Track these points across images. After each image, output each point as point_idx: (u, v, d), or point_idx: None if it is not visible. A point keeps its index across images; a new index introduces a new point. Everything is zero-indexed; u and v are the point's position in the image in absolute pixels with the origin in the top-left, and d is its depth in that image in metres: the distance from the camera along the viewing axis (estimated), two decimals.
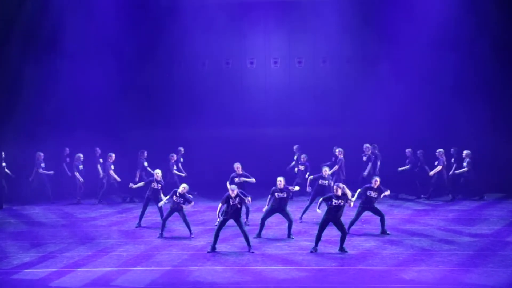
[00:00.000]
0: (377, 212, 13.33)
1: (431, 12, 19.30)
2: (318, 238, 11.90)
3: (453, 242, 12.50)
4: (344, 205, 11.79)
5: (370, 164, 17.77)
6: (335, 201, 11.73)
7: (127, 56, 20.44)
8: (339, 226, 11.85)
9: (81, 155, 17.97)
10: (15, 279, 10.63)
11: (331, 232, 13.04)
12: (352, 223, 13.33)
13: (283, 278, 10.44)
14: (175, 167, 18.22)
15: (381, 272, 10.62)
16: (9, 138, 18.13)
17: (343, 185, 11.97)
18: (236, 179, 14.87)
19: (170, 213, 13.30)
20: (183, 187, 13.10)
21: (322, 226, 11.88)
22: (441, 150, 17.76)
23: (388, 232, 13.27)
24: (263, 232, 13.32)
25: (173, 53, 21.12)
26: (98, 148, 18.41)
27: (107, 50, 20.02)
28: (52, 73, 19.42)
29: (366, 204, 13.30)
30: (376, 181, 13.24)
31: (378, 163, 18.06)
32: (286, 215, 13.13)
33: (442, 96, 19.79)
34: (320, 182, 14.80)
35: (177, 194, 13.03)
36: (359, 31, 20.44)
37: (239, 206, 12.10)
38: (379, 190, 13.26)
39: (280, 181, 12.90)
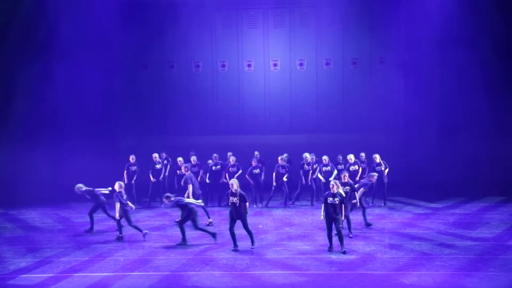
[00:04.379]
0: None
1: (433, 12, 19.32)
2: (329, 237, 12.21)
3: (454, 246, 12.53)
4: (340, 204, 11.98)
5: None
6: (330, 199, 11.96)
7: (123, 59, 20.46)
8: (336, 225, 11.96)
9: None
10: (11, 285, 10.65)
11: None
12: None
13: (282, 283, 10.47)
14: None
15: (381, 277, 10.66)
16: (2, 141, 18.16)
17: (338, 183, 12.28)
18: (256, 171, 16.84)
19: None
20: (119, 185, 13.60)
21: (327, 225, 12.18)
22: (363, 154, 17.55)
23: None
24: (262, 236, 13.41)
25: (167, 55, 21.01)
26: (163, 154, 18.29)
27: (103, 53, 20.03)
28: (47, 75, 19.40)
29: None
30: (345, 176, 13.59)
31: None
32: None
33: (444, 96, 19.79)
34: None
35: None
36: (364, 32, 20.40)
37: (237, 204, 12.25)
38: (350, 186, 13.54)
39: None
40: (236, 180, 12.73)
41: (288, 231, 14.14)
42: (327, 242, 12.31)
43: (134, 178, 17.28)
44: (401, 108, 20.48)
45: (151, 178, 17.40)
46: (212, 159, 17.57)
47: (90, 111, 19.94)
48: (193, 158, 17.57)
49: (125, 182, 16.57)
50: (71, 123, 19.94)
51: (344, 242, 12.11)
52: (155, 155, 17.65)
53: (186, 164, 16.22)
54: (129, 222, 13.52)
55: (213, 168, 17.42)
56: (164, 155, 18.22)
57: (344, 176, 13.52)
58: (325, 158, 17.20)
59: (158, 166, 17.46)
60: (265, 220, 15.50)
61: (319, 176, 17.22)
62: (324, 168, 17.19)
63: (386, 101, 20.54)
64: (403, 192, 18.67)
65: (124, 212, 13.44)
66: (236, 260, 11.80)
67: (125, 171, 17.18)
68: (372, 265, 11.34)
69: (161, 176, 17.46)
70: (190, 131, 20.75)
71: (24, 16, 18.70)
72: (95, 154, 19.29)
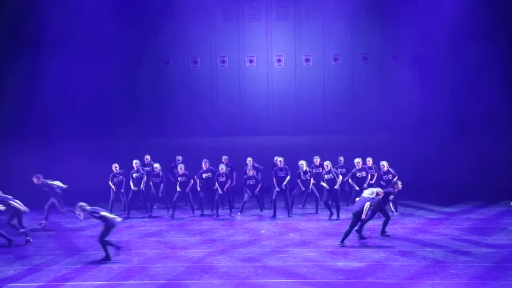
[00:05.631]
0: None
1: (448, 4, 19.37)
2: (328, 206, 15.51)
3: (469, 253, 12.54)
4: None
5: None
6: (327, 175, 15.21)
7: (115, 54, 20.44)
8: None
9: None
10: None
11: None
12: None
13: None
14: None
15: (391, 286, 10.67)
16: None
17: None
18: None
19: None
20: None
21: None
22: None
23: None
24: (265, 242, 13.47)
25: (162, 50, 20.94)
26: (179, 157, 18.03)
27: (94, 48, 20.05)
28: (36, 72, 19.45)
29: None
30: (327, 166, 15.50)
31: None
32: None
33: (460, 94, 19.80)
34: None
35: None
36: (375, 25, 20.35)
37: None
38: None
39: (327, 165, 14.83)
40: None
41: (292, 237, 14.17)
42: (319, 253, 12.68)
43: (123, 187, 16.87)
44: (414, 106, 20.45)
45: (132, 186, 16.86)
46: (203, 164, 16.83)
47: (81, 110, 19.99)
48: (156, 165, 16.87)
49: (114, 191, 16.63)
50: (61, 123, 20.00)
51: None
52: (136, 161, 17.08)
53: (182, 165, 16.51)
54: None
55: (203, 175, 16.76)
56: (148, 158, 17.75)
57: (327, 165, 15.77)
58: (358, 161, 16.69)
59: (135, 175, 16.83)
60: (268, 225, 15.54)
61: (350, 182, 16.91)
62: (358, 174, 16.70)
63: (399, 99, 20.50)
64: (415, 195, 18.68)
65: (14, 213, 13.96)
66: (237, 268, 11.83)
67: (110, 182, 16.76)
68: (382, 273, 11.36)
69: (142, 184, 16.82)
70: (187, 132, 20.71)
71: (10, 7, 18.72)
72: (86, 156, 19.38)
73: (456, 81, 19.69)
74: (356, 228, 13.52)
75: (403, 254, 12.61)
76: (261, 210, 16.82)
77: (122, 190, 16.92)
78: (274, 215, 16.48)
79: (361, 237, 13.73)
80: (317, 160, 17.10)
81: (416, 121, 20.41)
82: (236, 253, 12.82)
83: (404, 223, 15.53)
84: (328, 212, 16.11)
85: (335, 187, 15.99)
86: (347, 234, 13.26)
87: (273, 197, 16.59)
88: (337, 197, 16.08)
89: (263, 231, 14.78)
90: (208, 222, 16.04)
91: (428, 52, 20.10)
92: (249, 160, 17.31)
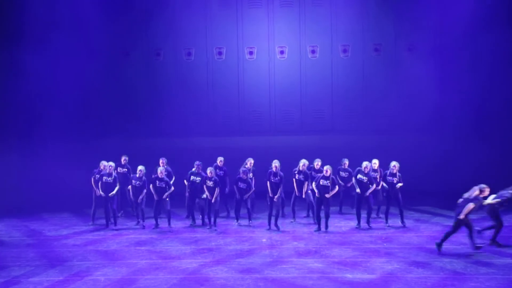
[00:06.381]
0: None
1: None
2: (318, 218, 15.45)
3: (491, 265, 12.61)
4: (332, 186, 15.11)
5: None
6: (323, 181, 15.19)
7: (101, 46, 20.49)
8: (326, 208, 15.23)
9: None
10: None
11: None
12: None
13: None
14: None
15: None
16: None
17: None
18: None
19: None
20: None
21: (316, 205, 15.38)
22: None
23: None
24: (266, 252, 13.60)
25: (152, 41, 20.95)
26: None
27: (79, 39, 20.12)
28: (16, 66, 19.48)
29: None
30: (327, 171, 15.31)
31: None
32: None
33: (484, 89, 19.82)
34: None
35: None
36: (389, 13, 20.36)
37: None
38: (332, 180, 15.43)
39: (327, 170, 15.20)
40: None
41: (297, 246, 14.26)
42: (323, 262, 12.77)
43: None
44: (431, 103, 20.48)
45: (98, 192, 16.25)
46: (195, 167, 16.56)
47: (64, 107, 20.06)
48: (140, 168, 16.17)
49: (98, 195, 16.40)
50: (43, 122, 20.06)
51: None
52: (103, 163, 16.46)
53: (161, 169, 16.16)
54: None
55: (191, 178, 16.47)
56: (126, 159, 17.54)
57: (316, 164, 16.38)
58: (374, 161, 16.46)
59: (109, 179, 16.11)
60: (270, 233, 15.65)
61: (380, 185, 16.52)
62: (385, 177, 16.16)
63: (415, 95, 20.53)
64: (431, 200, 18.78)
65: None
66: (236, 280, 11.90)
67: (98, 185, 16.26)
68: (395, 286, 11.42)
69: (114, 190, 16.05)
70: (180, 132, 20.75)
71: None
72: (70, 158, 19.48)
73: (481, 76, 19.69)
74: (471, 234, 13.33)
75: (418, 265, 12.68)
76: (249, 219, 16.65)
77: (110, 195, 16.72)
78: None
79: (476, 247, 13.40)
80: (318, 163, 16.77)
81: (433, 119, 20.43)
82: (234, 264, 12.89)
83: (419, 231, 15.62)
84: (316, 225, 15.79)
85: (327, 195, 15.46)
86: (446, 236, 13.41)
87: (292, 201, 16.82)
88: (328, 206, 15.59)
89: (264, 240, 14.89)
90: (204, 229, 16.15)
91: (447, 42, 20.13)
92: (249, 162, 17.17)
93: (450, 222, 16.48)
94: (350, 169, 17.24)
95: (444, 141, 20.24)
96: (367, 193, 15.76)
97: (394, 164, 15.91)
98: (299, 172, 16.51)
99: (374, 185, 15.89)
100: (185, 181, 16.76)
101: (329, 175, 15.54)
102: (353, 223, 16.21)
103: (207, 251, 13.92)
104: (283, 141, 20.66)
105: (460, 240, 14.58)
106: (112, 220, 16.21)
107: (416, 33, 20.54)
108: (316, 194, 15.54)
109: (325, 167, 15.68)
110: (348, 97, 21.04)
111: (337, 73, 21.10)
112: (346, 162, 17.52)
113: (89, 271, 12.64)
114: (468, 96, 19.93)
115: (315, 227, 15.76)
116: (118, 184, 16.13)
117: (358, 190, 15.80)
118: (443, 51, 20.31)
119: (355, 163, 17.20)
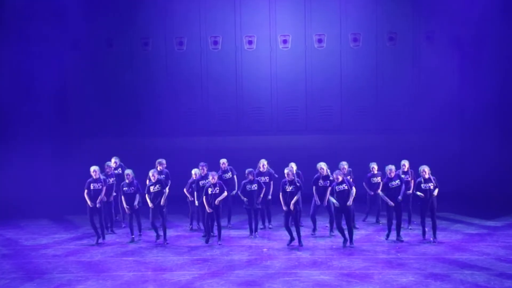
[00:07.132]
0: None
1: None
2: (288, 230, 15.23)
3: None
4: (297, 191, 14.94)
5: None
6: (288, 187, 14.94)
7: (82, 37, 20.50)
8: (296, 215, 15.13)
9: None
10: None
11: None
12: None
13: None
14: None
15: None
16: None
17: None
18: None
19: None
20: None
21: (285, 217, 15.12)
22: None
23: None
24: (267, 263, 13.66)
25: (140, 29, 20.90)
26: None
27: (57, 29, 20.05)
28: None
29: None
30: (338, 178, 14.82)
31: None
32: None
33: (506, 83, 19.87)
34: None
35: None
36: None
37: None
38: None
39: (288, 173, 15.02)
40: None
41: (300, 256, 14.30)
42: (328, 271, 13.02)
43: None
44: (453, 99, 20.54)
45: (88, 202, 15.68)
46: (199, 168, 16.37)
47: (41, 103, 20.07)
48: (128, 172, 15.97)
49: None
50: (18, 119, 20.11)
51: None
52: (94, 168, 15.77)
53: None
54: None
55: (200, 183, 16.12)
56: (117, 162, 17.29)
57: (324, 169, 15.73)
58: (403, 163, 16.39)
59: (97, 185, 15.73)
60: (271, 242, 15.69)
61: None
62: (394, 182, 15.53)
63: (434, 89, 20.54)
64: (451, 206, 18.83)
65: None
66: None
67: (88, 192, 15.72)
68: None
69: (99, 197, 15.64)
70: (171, 131, 20.75)
71: None
72: (49, 159, 19.56)
73: (500, 69, 19.72)
74: None
75: (436, 277, 12.71)
76: (268, 222, 17.00)
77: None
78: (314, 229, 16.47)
79: None
80: (322, 168, 16.00)
81: (453, 117, 20.47)
82: (232, 276, 12.92)
83: (438, 239, 15.66)
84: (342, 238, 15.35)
85: (348, 203, 14.85)
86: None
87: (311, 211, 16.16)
88: (350, 217, 15.03)
89: (265, 249, 14.95)
90: (199, 238, 16.21)
91: (471, 32, 20.14)
92: (262, 163, 16.77)
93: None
94: (380, 172, 16.62)
95: (463, 139, 20.30)
96: (399, 198, 15.24)
97: (424, 169, 15.30)
98: (323, 177, 15.72)
99: (354, 190, 15.06)
100: (185, 191, 16.56)
101: (342, 180, 14.90)
102: (364, 231, 16.24)
103: (201, 262, 13.95)
104: (286, 141, 20.69)
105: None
106: (102, 232, 15.93)
107: (435, 21, 20.56)
108: (335, 204, 14.88)
109: (334, 173, 15.09)
110: (359, 92, 21.05)
111: (346, 65, 21.10)
112: (375, 166, 16.95)
113: (70, 284, 12.67)
114: (489, 91, 19.93)
115: (342, 239, 15.20)
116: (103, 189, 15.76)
117: (391, 203, 15.22)
118: (464, 42, 20.31)
119: (367, 167, 17.17)
